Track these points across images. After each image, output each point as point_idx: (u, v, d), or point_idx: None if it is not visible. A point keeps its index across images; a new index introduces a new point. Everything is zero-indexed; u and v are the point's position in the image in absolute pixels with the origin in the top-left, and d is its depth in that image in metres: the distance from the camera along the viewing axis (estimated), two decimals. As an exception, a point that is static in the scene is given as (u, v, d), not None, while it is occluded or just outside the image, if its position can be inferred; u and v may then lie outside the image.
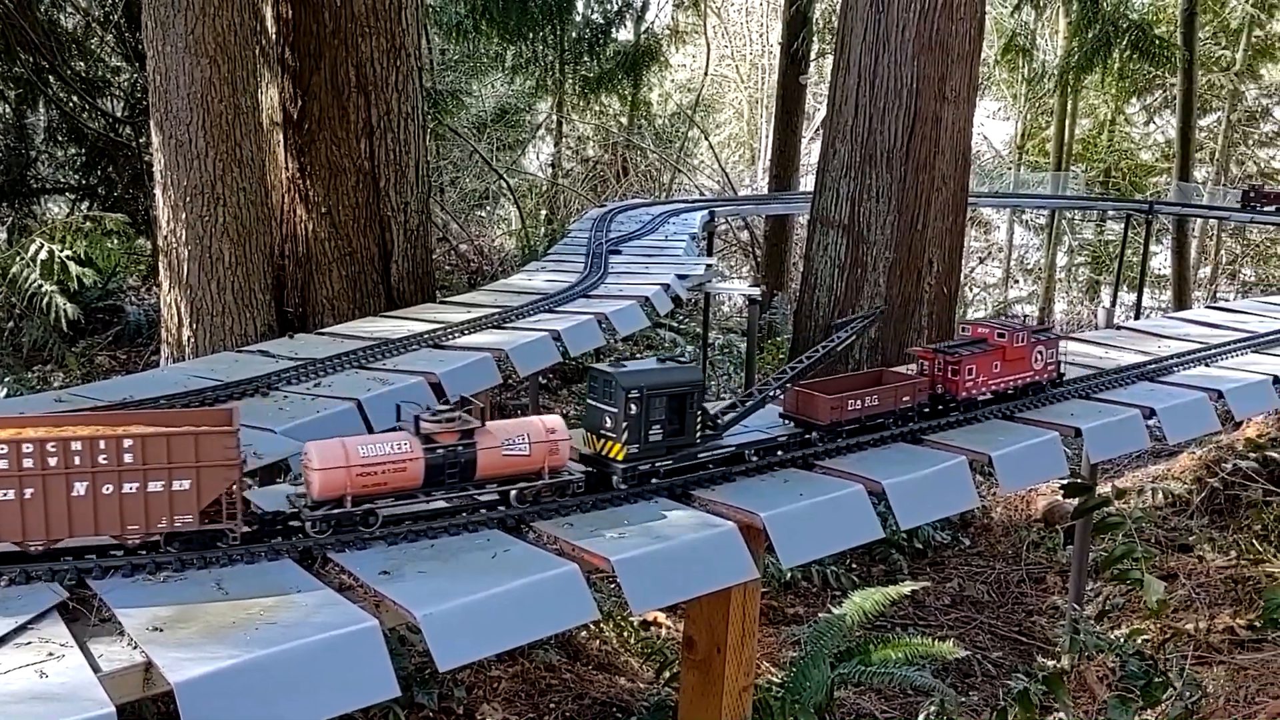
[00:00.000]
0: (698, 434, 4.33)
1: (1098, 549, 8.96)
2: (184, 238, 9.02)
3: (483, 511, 3.84)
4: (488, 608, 3.23)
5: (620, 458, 4.11)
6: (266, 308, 10.10)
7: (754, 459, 4.55)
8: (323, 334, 6.96)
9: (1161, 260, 32.19)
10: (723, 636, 4.54)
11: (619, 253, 10.84)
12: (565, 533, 3.76)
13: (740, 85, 40.59)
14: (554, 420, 3.99)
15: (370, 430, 5.29)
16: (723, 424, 4.54)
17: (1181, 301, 26.25)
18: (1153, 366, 6.55)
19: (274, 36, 11.72)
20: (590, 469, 4.15)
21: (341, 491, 3.55)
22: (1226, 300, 34.29)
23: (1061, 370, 5.91)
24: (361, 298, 11.82)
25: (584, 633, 7.55)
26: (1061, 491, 7.43)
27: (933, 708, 6.66)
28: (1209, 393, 6.07)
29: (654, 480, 4.20)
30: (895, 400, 5.05)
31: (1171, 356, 6.82)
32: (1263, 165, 35.32)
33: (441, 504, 3.80)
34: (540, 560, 3.53)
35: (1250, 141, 35.37)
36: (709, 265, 10.13)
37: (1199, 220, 29.71)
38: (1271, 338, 7.46)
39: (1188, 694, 5.16)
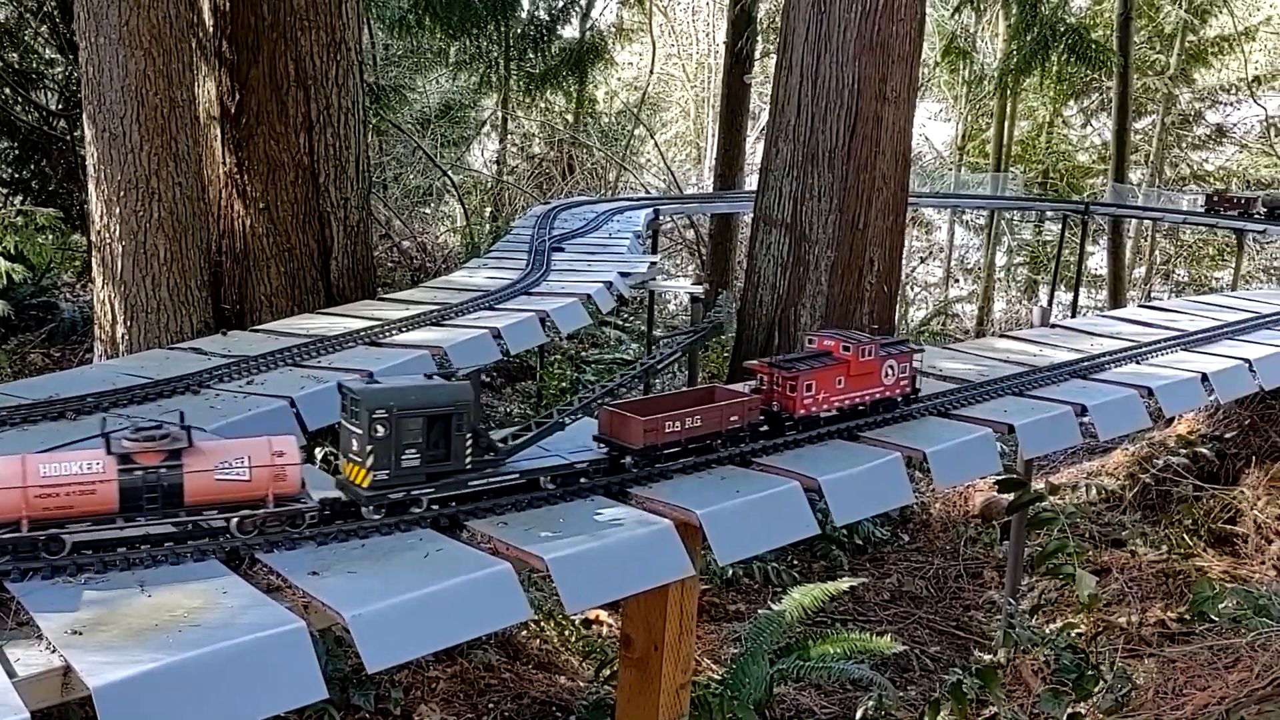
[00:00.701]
0: (467, 460, 3.90)
1: (1033, 544, 9.11)
2: (118, 233, 8.86)
3: (414, 511, 3.80)
4: (418, 608, 3.19)
5: (365, 485, 3.71)
6: (203, 305, 9.96)
7: (550, 486, 4.14)
8: (257, 331, 6.86)
9: (1098, 260, 32.79)
10: (660, 634, 4.54)
11: (562, 250, 10.81)
12: (500, 532, 3.74)
13: (687, 84, 40.75)
14: (283, 442, 3.61)
15: (304, 430, 5.23)
16: (506, 449, 4.12)
17: (1117, 300, 26.76)
18: (1085, 364, 6.66)
19: (211, 29, 11.56)
20: (343, 496, 3.82)
21: (16, 514, 3.22)
22: (1160, 299, 35.08)
23: (917, 385, 5.56)
24: (301, 295, 11.69)
25: (524, 631, 7.52)
26: (997, 487, 7.53)
27: (871, 702, 6.72)
28: (1140, 390, 6.18)
29: (415, 509, 3.79)
30: (722, 420, 4.64)
31: (1104, 354, 6.93)
32: (1195, 168, 36.11)
33: (146, 531, 3.43)
34: (473, 560, 3.50)
35: (1183, 144, 36.13)
36: (652, 263, 10.14)
37: (1134, 221, 30.31)
38: (1201, 336, 7.63)
39: (1118, 687, 5.26)
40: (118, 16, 8.48)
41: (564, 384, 14.94)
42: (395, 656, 3.13)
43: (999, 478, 6.36)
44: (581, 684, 7.10)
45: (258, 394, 5.38)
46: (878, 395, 5.28)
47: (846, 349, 5.11)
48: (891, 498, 4.84)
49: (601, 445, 4.47)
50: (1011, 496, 5.99)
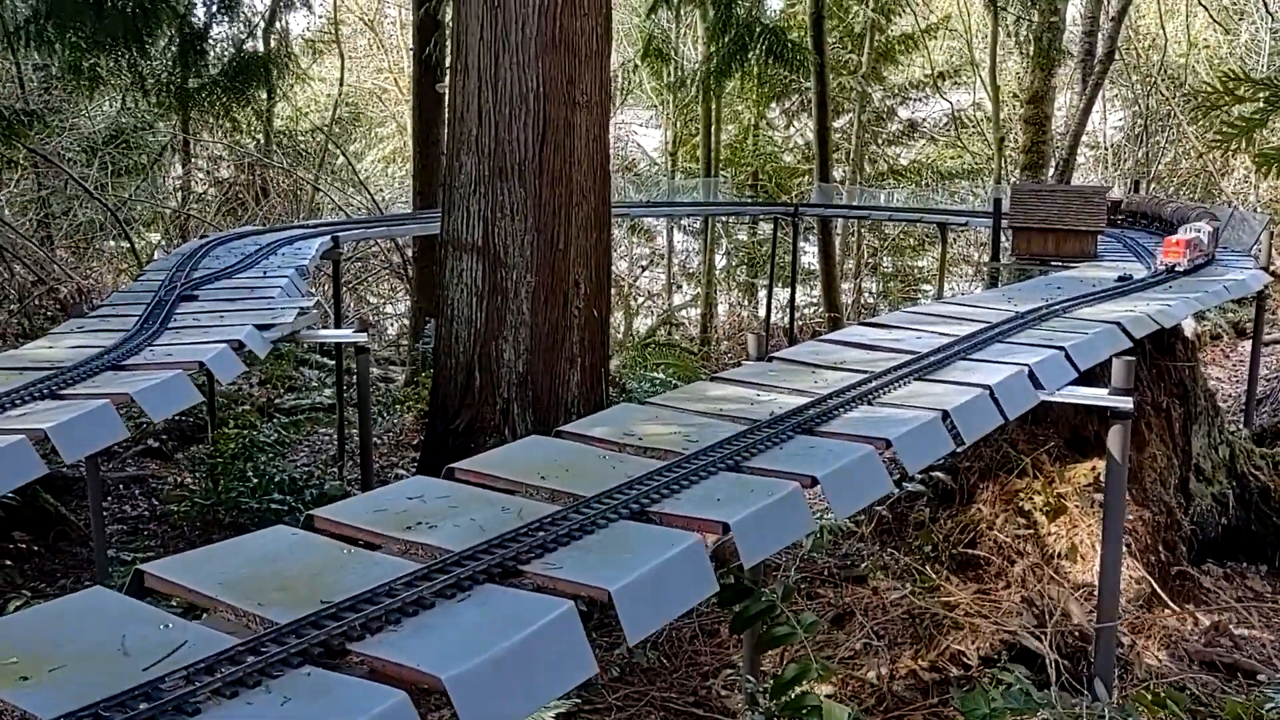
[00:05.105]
0: None
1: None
2: None
3: None
4: None
5: None
6: None
7: None
8: None
9: (811, 256, 33.24)
10: None
11: (194, 298, 8.80)
12: None
13: (402, 99, 39.07)
14: None
15: None
16: None
17: (830, 296, 26.91)
18: (812, 411, 5.46)
19: None
20: None
21: None
22: (869, 291, 36.13)
23: None
24: None
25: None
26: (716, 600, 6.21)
27: None
28: (877, 443, 5.02)
29: None
30: None
31: (831, 394, 5.77)
32: (892, 162, 37.43)
33: None
34: None
35: (879, 140, 37.37)
36: (303, 310, 8.31)
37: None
38: (933, 360, 6.63)
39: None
40: None
41: (242, 443, 12.82)
42: None
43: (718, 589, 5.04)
44: None
45: None
46: None
47: None
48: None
49: None
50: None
